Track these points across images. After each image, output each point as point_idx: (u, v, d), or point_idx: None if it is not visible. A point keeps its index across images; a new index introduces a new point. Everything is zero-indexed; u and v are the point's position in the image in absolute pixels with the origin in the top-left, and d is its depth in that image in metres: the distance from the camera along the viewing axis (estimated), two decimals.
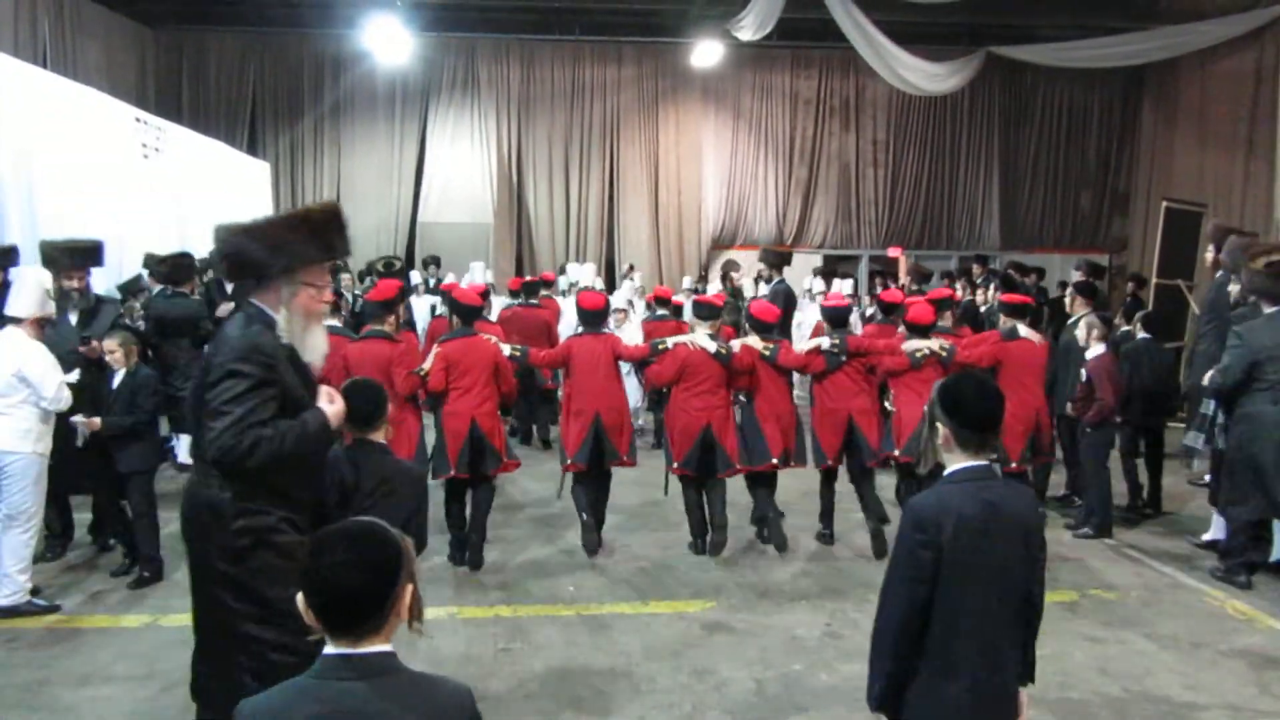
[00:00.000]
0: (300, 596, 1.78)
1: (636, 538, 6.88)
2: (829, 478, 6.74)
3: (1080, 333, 7.16)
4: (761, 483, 6.52)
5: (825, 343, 6.43)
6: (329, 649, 1.78)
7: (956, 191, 17.53)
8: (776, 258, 10.11)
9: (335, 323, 6.42)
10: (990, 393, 2.65)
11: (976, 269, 12.33)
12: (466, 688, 1.89)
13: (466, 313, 6.34)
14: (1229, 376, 5.91)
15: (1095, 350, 6.95)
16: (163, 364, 7.39)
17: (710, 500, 6.37)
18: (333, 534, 1.82)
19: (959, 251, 16.96)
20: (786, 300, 9.41)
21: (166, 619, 5.28)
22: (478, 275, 11.42)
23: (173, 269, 8.09)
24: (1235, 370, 5.88)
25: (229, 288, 7.76)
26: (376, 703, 1.73)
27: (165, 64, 15.74)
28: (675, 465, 6.27)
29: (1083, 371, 6.97)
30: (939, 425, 2.60)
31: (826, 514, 6.80)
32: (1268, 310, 5.98)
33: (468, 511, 6.31)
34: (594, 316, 6.54)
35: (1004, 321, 6.98)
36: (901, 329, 6.83)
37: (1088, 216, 17.72)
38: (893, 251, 16.73)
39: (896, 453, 6.40)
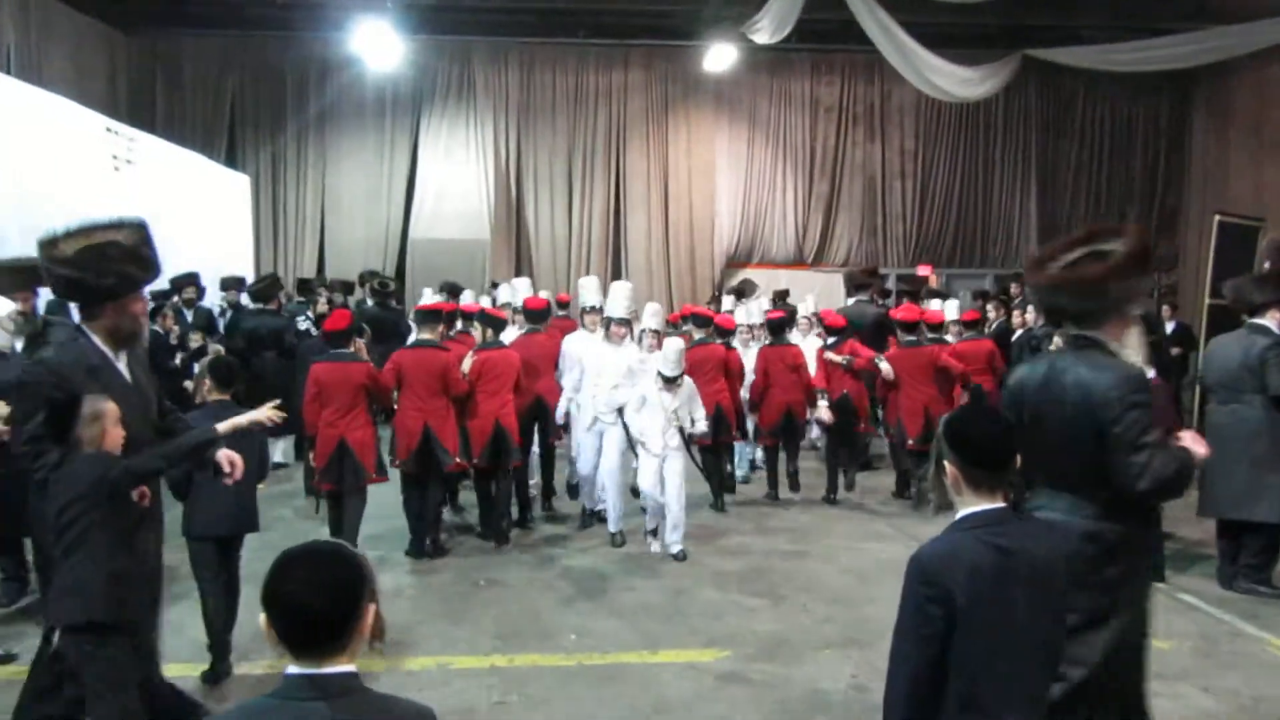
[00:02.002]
0: (262, 616, 1.88)
1: (639, 579, 6.87)
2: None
3: None
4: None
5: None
6: (292, 669, 1.88)
7: (991, 206, 17.57)
8: (863, 278, 11.96)
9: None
10: (1000, 425, 2.64)
11: (1015, 288, 12.36)
12: (429, 708, 1.98)
13: (497, 325, 7.97)
14: None
15: None
16: (251, 376, 8.46)
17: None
18: (295, 554, 1.91)
19: (994, 270, 16.98)
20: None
21: None
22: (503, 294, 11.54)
23: (265, 288, 10.40)
24: None
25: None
26: None
27: (138, 70, 15.91)
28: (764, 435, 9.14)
29: None
30: (946, 464, 2.58)
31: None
32: None
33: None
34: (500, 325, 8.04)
35: (902, 334, 9.16)
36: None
37: None
38: (922, 270, 16.75)
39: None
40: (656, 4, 15.12)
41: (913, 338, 9.12)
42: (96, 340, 3.98)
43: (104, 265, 3.90)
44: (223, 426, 4.12)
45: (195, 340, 9.26)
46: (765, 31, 13.36)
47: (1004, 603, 2.45)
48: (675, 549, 7.33)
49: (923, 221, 17.48)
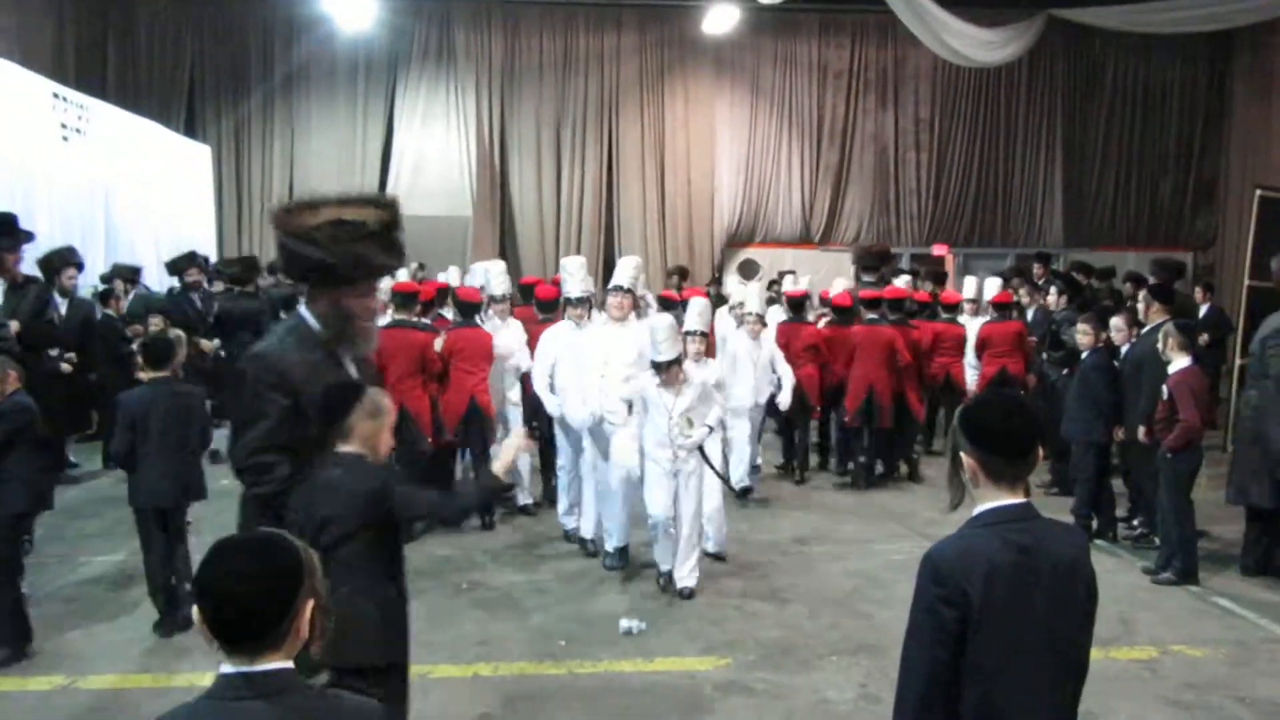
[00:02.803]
0: (194, 610, 1.89)
1: (633, 582, 6.89)
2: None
3: (1159, 343, 7.17)
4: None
5: None
6: (225, 667, 1.89)
7: (1013, 179, 17.61)
8: (874, 259, 11.87)
9: None
10: (1020, 412, 2.61)
11: (1037, 269, 12.35)
12: (376, 705, 2.03)
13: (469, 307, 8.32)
14: None
15: (1178, 363, 6.94)
16: (229, 358, 9.17)
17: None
18: (230, 543, 1.95)
19: (1016, 249, 17.03)
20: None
21: (85, 681, 5.27)
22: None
23: (241, 270, 10.47)
24: None
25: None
26: None
27: (88, 32, 15.77)
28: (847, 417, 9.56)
29: (1163, 388, 6.98)
30: (963, 456, 2.57)
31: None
32: None
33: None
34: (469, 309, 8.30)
35: (864, 313, 9.91)
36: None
37: (1167, 208, 17.78)
38: (938, 249, 16.78)
39: None
40: None
41: (874, 315, 9.84)
42: (317, 328, 3.65)
43: (346, 245, 3.54)
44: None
45: (155, 323, 9.25)
46: None
47: (1024, 604, 2.45)
48: (683, 584, 6.59)
49: (939, 196, 17.50)
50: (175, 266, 10.62)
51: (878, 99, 17.37)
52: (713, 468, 6.99)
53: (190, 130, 15.75)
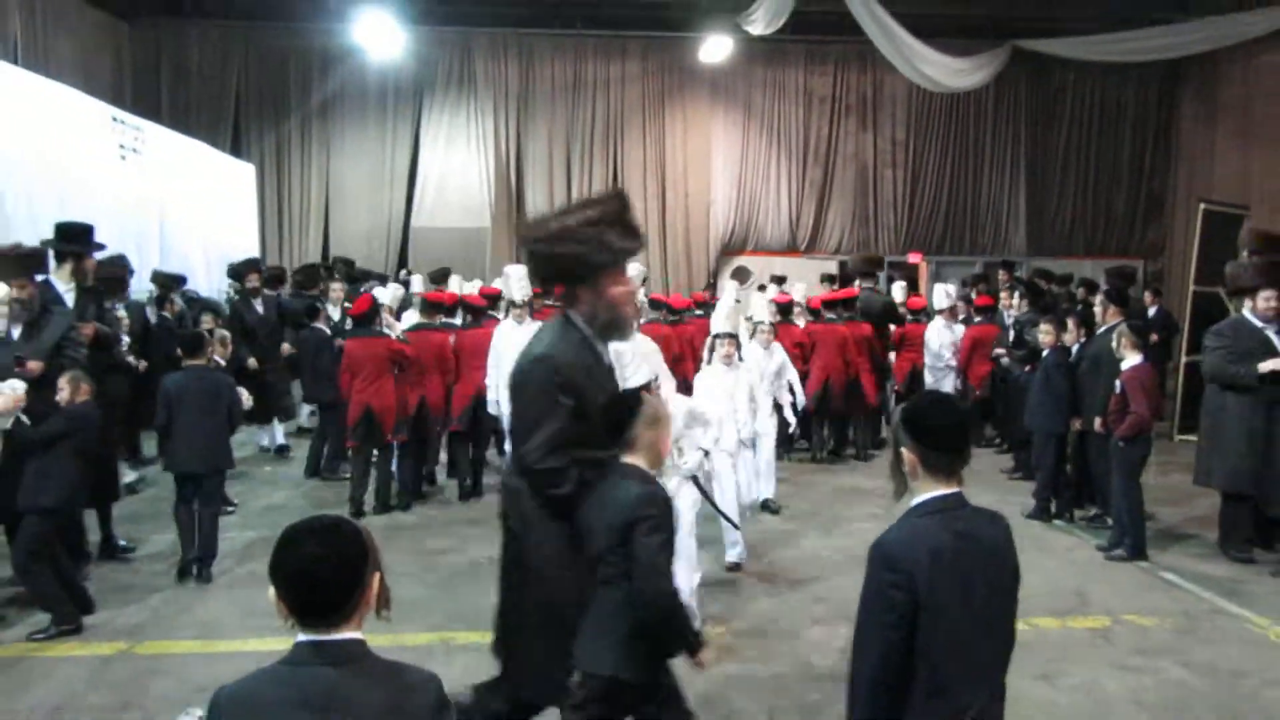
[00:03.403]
0: (271, 590, 1.93)
1: None
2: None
3: (1113, 342, 7.17)
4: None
5: None
6: (301, 637, 1.93)
7: (981, 194, 17.57)
8: (870, 265, 12.29)
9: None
10: (955, 409, 2.64)
11: (1002, 276, 12.35)
12: (434, 674, 2.03)
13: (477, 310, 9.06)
14: None
15: (1130, 360, 6.96)
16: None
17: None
18: (301, 528, 1.97)
19: (983, 257, 16.99)
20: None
21: (141, 647, 5.30)
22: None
23: (305, 278, 10.92)
24: None
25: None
26: (346, 687, 1.89)
27: (143, 60, 15.84)
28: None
29: (1116, 383, 6.98)
30: (904, 451, 2.57)
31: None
32: None
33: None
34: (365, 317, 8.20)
35: (824, 312, 10.43)
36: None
37: (1120, 220, 17.73)
38: (913, 257, 16.75)
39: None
40: None
41: (832, 315, 10.42)
42: (585, 330, 3.49)
43: (593, 235, 3.43)
44: None
45: (206, 322, 9.28)
46: (760, 23, 13.33)
47: (964, 586, 2.44)
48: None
49: (913, 209, 17.48)
50: (237, 271, 10.62)
51: (858, 121, 17.34)
52: (711, 501, 5.61)
53: (236, 150, 15.75)
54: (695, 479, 5.21)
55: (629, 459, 3.20)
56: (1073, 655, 5.28)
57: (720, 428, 5.61)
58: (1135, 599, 6.23)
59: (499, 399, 7.90)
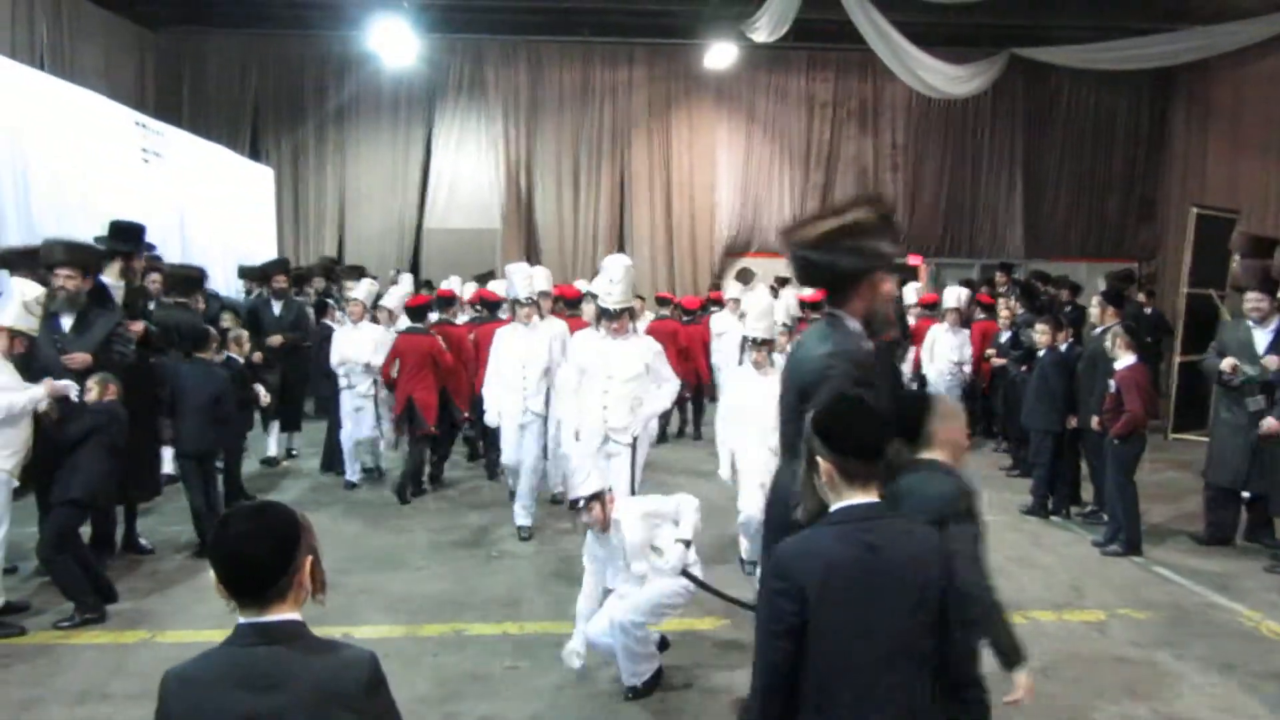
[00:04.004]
0: (211, 572, 1.97)
1: None
2: None
3: (1108, 343, 7.16)
4: None
5: None
6: (241, 619, 1.98)
7: (978, 198, 17.52)
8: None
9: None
10: (870, 414, 2.47)
11: (1000, 278, 12.32)
12: (370, 652, 2.03)
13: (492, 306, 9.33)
14: None
15: (1124, 360, 6.94)
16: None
17: None
18: (234, 511, 2.04)
19: (981, 260, 16.95)
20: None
21: (163, 635, 5.32)
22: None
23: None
24: None
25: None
26: (283, 665, 1.93)
27: (165, 67, 15.85)
28: None
29: (1110, 383, 6.97)
30: (820, 460, 2.41)
31: None
32: None
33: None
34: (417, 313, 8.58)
35: (807, 313, 9.61)
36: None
37: (1114, 224, 17.67)
38: (912, 260, 16.70)
39: None
40: (659, 4, 15.01)
41: (816, 315, 10.24)
42: (857, 328, 3.44)
43: (854, 243, 3.38)
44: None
45: (226, 321, 9.23)
46: (763, 30, 13.30)
47: (863, 603, 2.28)
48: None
49: (913, 213, 17.41)
50: (265, 272, 10.40)
51: (859, 127, 17.30)
52: (712, 591, 4.76)
53: (254, 154, 15.76)
54: (687, 573, 4.61)
55: (930, 454, 3.11)
56: (1070, 647, 5.28)
57: (694, 512, 4.70)
58: (1130, 593, 6.21)
59: (501, 410, 7.29)
